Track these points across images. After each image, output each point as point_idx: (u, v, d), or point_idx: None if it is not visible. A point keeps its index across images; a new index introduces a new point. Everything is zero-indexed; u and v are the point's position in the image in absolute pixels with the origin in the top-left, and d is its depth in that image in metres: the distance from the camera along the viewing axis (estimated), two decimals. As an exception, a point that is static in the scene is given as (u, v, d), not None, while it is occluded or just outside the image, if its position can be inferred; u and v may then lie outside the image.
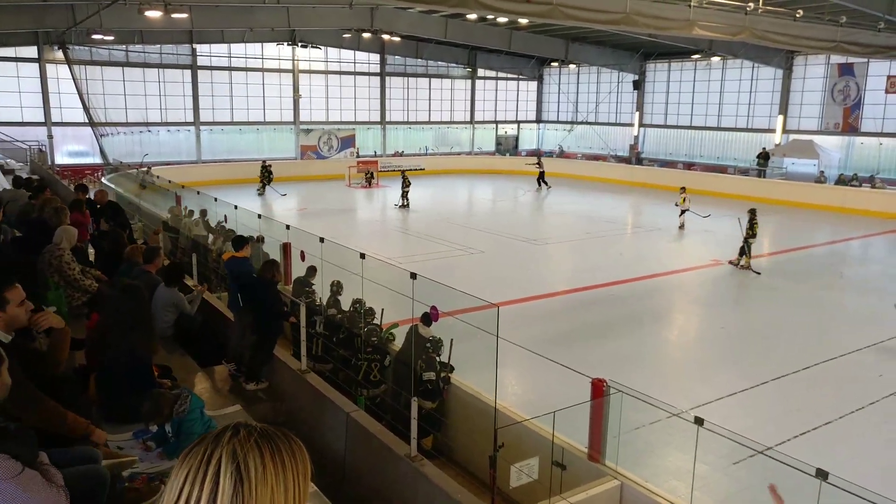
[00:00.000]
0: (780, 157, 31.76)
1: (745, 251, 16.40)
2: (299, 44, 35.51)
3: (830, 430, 8.53)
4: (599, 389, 6.35)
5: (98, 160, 31.06)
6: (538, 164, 31.78)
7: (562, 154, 42.60)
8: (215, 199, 13.15)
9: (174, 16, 20.66)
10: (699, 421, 5.71)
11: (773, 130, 33.27)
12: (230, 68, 35.40)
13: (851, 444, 8.27)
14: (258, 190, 28.20)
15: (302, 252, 9.51)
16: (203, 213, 13.57)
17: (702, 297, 15.22)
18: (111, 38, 28.89)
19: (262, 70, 36.25)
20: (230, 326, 7.63)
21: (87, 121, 30.73)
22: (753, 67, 33.76)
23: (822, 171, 29.57)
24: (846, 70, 30.17)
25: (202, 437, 1.26)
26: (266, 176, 28.69)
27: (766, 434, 8.39)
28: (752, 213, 16.79)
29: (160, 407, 4.33)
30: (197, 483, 1.19)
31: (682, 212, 21.79)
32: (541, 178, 31.33)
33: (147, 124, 33.39)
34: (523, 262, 17.71)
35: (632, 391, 8.33)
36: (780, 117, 32.93)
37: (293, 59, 36.70)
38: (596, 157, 40.36)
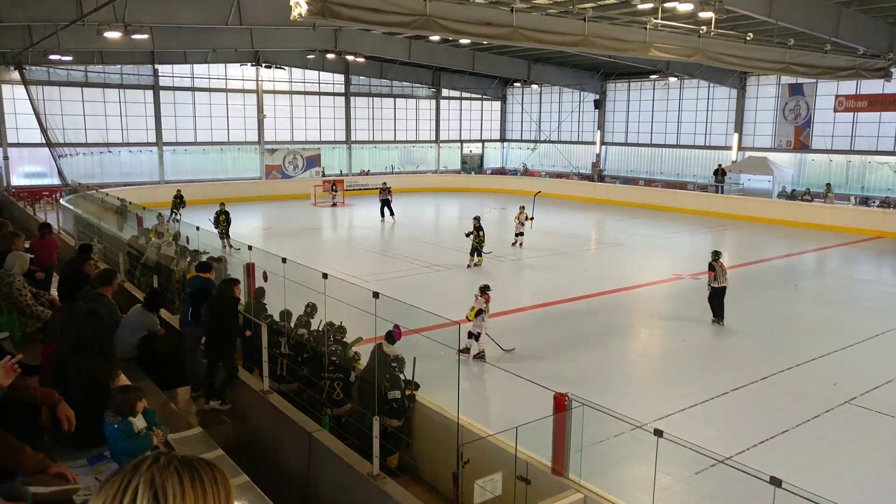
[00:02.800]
0: (737, 174, 32.66)
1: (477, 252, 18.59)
2: (263, 64, 35.48)
3: (787, 438, 8.75)
4: (562, 404, 6.42)
5: (56, 181, 30.42)
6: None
7: (526, 172, 43.12)
8: (177, 221, 13.01)
9: (134, 37, 20.48)
10: (658, 433, 5.82)
11: (729, 148, 34.23)
12: (193, 89, 35.15)
13: (807, 451, 8.49)
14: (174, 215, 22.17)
15: (265, 272, 9.46)
16: (177, 235, 13.43)
17: (664, 310, 15.50)
18: (69, 58, 28.46)
19: (226, 90, 36.08)
20: (188, 344, 7.56)
21: (44, 141, 30.13)
22: (709, 87, 34.76)
23: (784, 188, 30.45)
24: (796, 90, 31.27)
25: (121, 467, 1.28)
26: (177, 204, 23.51)
27: (726, 444, 8.58)
28: (476, 219, 19.04)
29: (130, 400, 4.32)
30: None
31: (519, 233, 21.48)
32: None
33: (108, 145, 32.89)
34: (489, 278, 17.80)
35: (594, 405, 8.44)
36: (736, 135, 33.90)
37: (257, 80, 36.62)
38: (559, 175, 40.95)
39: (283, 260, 8.58)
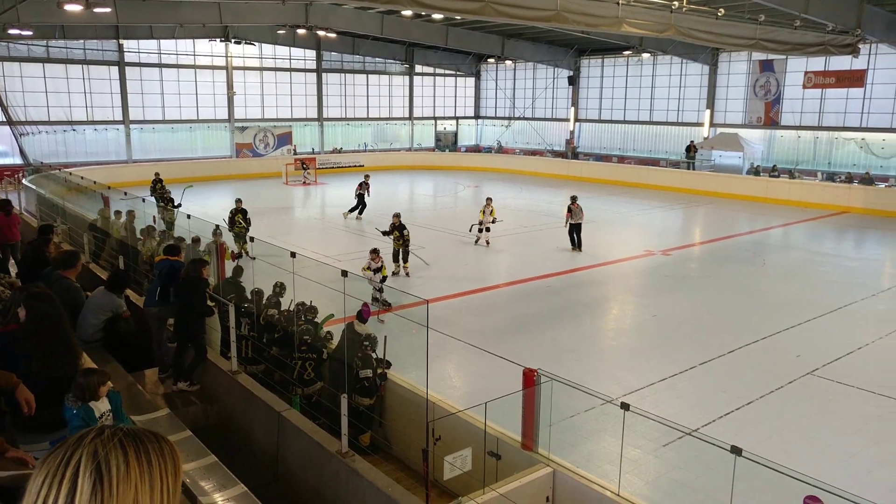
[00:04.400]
0: (708, 150, 32.96)
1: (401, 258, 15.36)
2: (232, 40, 34.75)
3: (752, 409, 8.95)
4: (531, 379, 6.48)
5: (18, 161, 29.64)
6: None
7: (500, 150, 43.06)
8: (143, 200, 12.78)
9: (96, 10, 19.90)
10: (625, 406, 5.91)
11: (701, 124, 34.49)
12: (160, 65, 34.34)
13: (770, 421, 8.70)
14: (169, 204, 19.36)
15: (232, 252, 9.36)
16: (130, 214, 13.16)
17: (635, 286, 15.68)
18: (29, 32, 27.57)
19: (195, 67, 35.31)
20: (155, 326, 7.47)
21: (4, 119, 29.28)
22: (682, 63, 34.88)
23: (752, 163, 30.83)
24: (766, 66, 31.54)
25: (65, 440, 1.24)
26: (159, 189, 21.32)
27: (693, 416, 8.77)
28: (397, 217, 15.47)
29: (92, 384, 4.26)
30: (55, 485, 1.16)
31: (483, 228, 18.46)
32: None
33: (72, 123, 32.07)
34: (463, 256, 17.86)
35: (563, 380, 8.53)
36: (708, 111, 34.16)
37: (226, 56, 35.89)
38: (533, 153, 40.97)
39: (251, 239, 8.50)
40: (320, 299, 9.25)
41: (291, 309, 8.89)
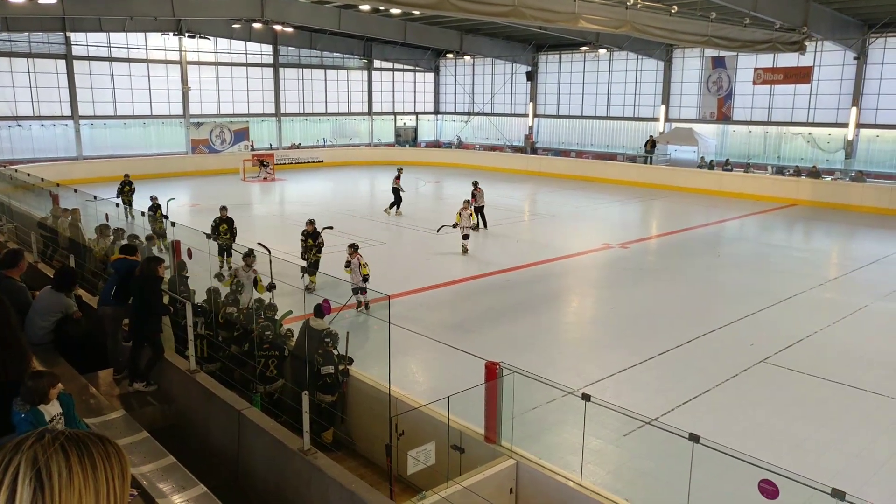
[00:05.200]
0: (664, 145, 33.61)
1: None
2: (186, 34, 33.97)
3: (709, 397, 9.18)
4: (493, 372, 6.51)
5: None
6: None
7: (460, 145, 43.14)
8: (94, 198, 12.42)
9: (41, 2, 19.24)
10: (586, 397, 5.99)
11: (657, 119, 35.12)
12: (110, 59, 33.37)
13: (726, 409, 8.93)
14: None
15: (189, 249, 9.17)
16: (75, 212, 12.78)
17: (594, 279, 15.90)
18: (-29, 25, 26.55)
19: (147, 61, 34.42)
20: (108, 326, 7.27)
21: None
22: (637, 59, 35.44)
23: (703, 157, 31.53)
24: (718, 63, 32.28)
25: (3, 447, 1.19)
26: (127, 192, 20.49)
27: (653, 406, 8.94)
28: (311, 224, 14.19)
29: (41, 387, 4.12)
30: None
31: (462, 234, 17.11)
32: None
33: (17, 118, 30.94)
34: (424, 252, 17.84)
35: (525, 372, 8.60)
36: (663, 107, 34.80)
37: (180, 50, 35.07)
38: (493, 148, 41.15)
39: (208, 236, 8.34)
40: (280, 297, 9.14)
41: (250, 306, 8.77)
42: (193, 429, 5.90)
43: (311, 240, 13.82)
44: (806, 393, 9.36)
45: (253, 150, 35.99)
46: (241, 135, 37.42)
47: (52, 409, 4.20)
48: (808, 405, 9.01)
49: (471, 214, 17.17)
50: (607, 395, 8.86)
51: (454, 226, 17.40)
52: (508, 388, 6.63)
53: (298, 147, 38.90)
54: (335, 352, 7.71)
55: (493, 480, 6.03)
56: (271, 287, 8.77)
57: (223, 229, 14.90)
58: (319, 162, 36.99)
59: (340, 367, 7.65)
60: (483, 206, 20.31)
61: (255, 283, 9.93)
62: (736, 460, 5.01)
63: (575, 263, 16.85)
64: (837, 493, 4.16)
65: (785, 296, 13.60)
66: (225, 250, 14.06)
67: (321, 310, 7.55)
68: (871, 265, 16.44)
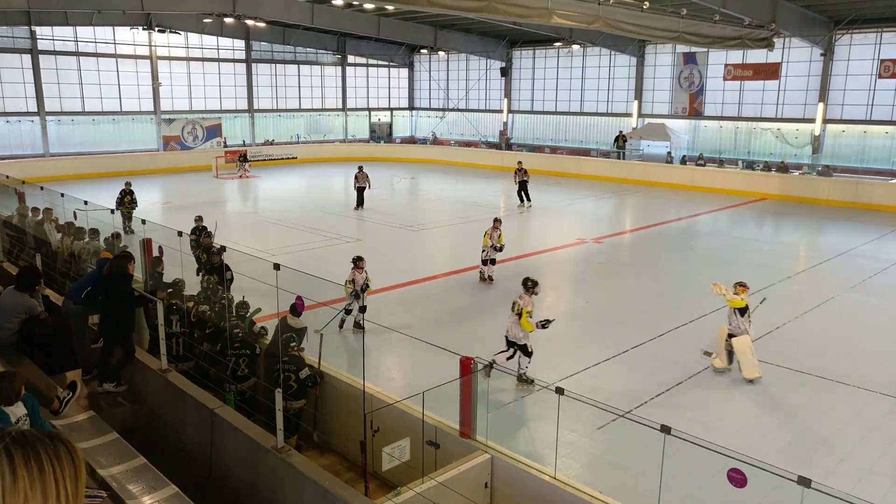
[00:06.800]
0: (637, 140, 33.93)
1: None
2: (156, 28, 33.45)
3: (681, 389, 9.30)
4: (467, 367, 6.54)
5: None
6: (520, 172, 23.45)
7: (435, 141, 43.10)
8: (62, 195, 12.18)
9: (5, -5, 18.77)
10: (560, 391, 6.04)
11: (630, 115, 35.43)
12: (78, 53, 32.72)
13: (697, 401, 9.07)
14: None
15: (160, 248, 9.05)
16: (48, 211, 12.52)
17: (568, 274, 16.01)
18: (-69, 18, 25.85)
19: (116, 56, 33.82)
20: (75, 325, 7.14)
21: None
22: (611, 55, 35.71)
23: (670, 152, 31.91)
24: (690, 59, 32.67)
25: None
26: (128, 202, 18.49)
27: (627, 399, 9.04)
28: (200, 230, 13.18)
29: (14, 386, 4.04)
30: None
31: (488, 259, 14.42)
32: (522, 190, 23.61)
33: (-20, 114, 30.26)
34: (400, 248, 17.82)
35: (500, 367, 8.64)
36: (636, 102, 35.12)
37: (150, 45, 34.51)
38: (468, 144, 41.19)
39: (180, 234, 8.25)
40: (254, 295, 9.06)
41: (223, 304, 8.68)
42: (165, 429, 5.83)
43: (197, 235, 12.86)
44: (775, 383, 9.53)
45: (226, 146, 35.59)
46: (214, 131, 36.97)
47: (17, 411, 4.12)
48: (778, 395, 9.18)
49: (500, 236, 14.29)
50: (582, 389, 8.94)
51: (484, 251, 14.24)
52: (483, 383, 6.66)
53: (272, 143, 38.57)
54: (303, 357, 7.63)
55: (469, 475, 6.05)
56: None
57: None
58: (293, 158, 36.70)
59: (306, 374, 7.51)
60: (365, 187, 22.61)
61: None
62: (706, 450, 5.10)
63: (550, 258, 16.95)
64: (804, 481, 4.25)
65: (754, 289, 13.79)
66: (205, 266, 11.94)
67: (296, 307, 7.50)
68: (838, 258, 16.79)
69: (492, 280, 14.20)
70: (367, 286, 10.88)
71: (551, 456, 6.25)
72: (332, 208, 23.55)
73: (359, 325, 10.98)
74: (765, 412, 8.75)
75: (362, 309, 10.87)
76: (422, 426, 6.22)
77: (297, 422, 7.15)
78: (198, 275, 10.86)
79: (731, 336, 9.57)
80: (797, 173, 27.99)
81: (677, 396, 9.13)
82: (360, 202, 22.90)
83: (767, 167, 28.61)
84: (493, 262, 14.23)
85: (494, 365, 9.10)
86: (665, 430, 5.05)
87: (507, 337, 9.28)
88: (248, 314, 8.44)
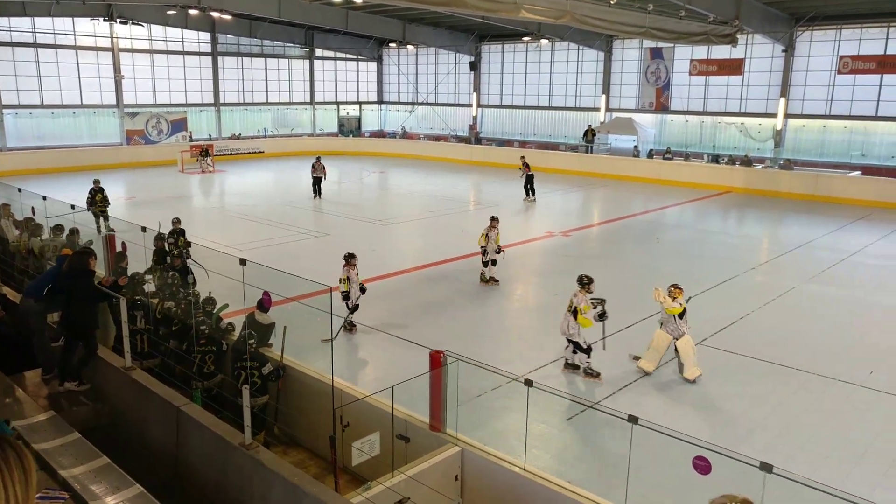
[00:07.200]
0: (605, 134, 34.26)
1: None
2: (118, 20, 32.68)
3: (647, 381, 9.44)
4: (437, 360, 6.54)
5: None
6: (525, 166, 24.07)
7: (405, 135, 42.96)
8: (19, 190, 11.86)
9: (-42, -16, 18.16)
10: (528, 383, 6.08)
11: (597, 109, 35.73)
12: (35, 45, 31.82)
13: (663, 391, 9.21)
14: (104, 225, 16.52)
15: (123, 243, 8.88)
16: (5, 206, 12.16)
17: (537, 266, 16.12)
18: None
19: (76, 48, 32.97)
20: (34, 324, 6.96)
21: None
22: (579, 50, 35.96)
23: (637, 146, 32.31)
24: (656, 54, 33.07)
25: None
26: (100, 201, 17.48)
27: (595, 390, 9.16)
28: (179, 232, 12.64)
29: None
30: None
31: (489, 261, 13.92)
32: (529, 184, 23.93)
33: (-66, 108, 29.28)
34: (370, 242, 17.72)
35: (469, 360, 8.66)
36: (604, 97, 35.44)
37: (111, 37, 33.72)
38: (437, 138, 41.14)
39: (143, 229, 8.10)
40: (222, 291, 8.94)
41: (189, 300, 8.55)
42: (129, 428, 5.73)
43: (173, 238, 12.28)
44: (738, 372, 9.73)
45: (191, 140, 34.99)
46: (179, 125, 36.32)
47: None
48: (741, 384, 9.38)
49: (497, 237, 13.84)
50: (551, 381, 9.02)
51: (483, 251, 13.82)
52: (453, 376, 6.67)
53: (238, 137, 38.04)
54: (270, 349, 7.57)
55: (439, 468, 6.07)
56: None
57: (181, 242, 12.86)
58: (260, 153, 36.27)
59: (272, 369, 7.42)
60: (321, 177, 23.57)
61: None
62: (672, 439, 5.19)
63: (519, 251, 17.02)
64: (766, 467, 4.35)
65: (719, 280, 14.09)
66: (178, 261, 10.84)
67: (263, 303, 7.42)
68: (798, 249, 17.19)
69: (496, 282, 13.79)
70: (364, 286, 10.68)
71: (521, 448, 6.29)
72: (300, 203, 23.35)
73: (351, 325, 10.87)
74: (729, 400, 8.93)
75: (353, 308, 10.74)
76: (392, 420, 6.21)
77: (264, 417, 7.08)
78: (154, 272, 10.47)
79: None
80: (760, 167, 28.55)
81: (644, 387, 9.27)
82: (317, 192, 23.79)
83: (732, 161, 29.12)
84: (493, 262, 13.84)
85: (576, 363, 9.58)
86: (632, 420, 5.12)
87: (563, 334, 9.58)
88: (215, 310, 8.32)
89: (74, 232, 10.05)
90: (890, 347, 10.70)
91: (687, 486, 5.76)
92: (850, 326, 11.75)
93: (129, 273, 9.09)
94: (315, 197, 23.76)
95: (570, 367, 9.70)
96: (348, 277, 10.64)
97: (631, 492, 5.36)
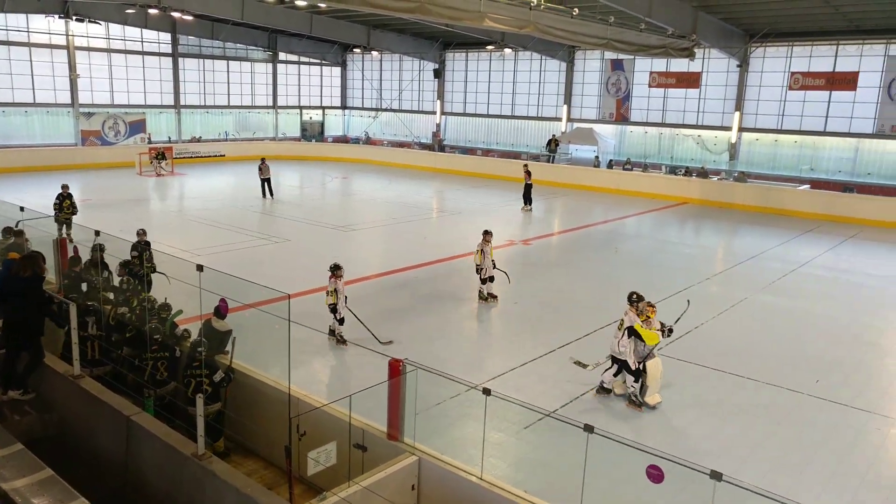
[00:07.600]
0: (566, 144, 34.72)
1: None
2: (74, 17, 31.90)
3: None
4: (396, 369, 6.51)
5: None
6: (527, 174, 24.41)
7: (368, 141, 42.85)
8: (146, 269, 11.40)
9: None
10: (486, 391, 6.10)
11: (559, 119, 36.21)
12: (-13, 41, 30.90)
13: (618, 400, 9.33)
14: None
15: (76, 247, 8.64)
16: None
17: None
18: None
19: (29, 45, 32.07)
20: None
21: None
22: (541, 60, 36.41)
23: (597, 157, 32.83)
24: (617, 65, 33.69)
25: None
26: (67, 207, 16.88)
27: (553, 398, 9.22)
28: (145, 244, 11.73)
29: None
30: None
31: (486, 278, 13.41)
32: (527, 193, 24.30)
33: None
34: (331, 249, 17.57)
35: (428, 368, 8.65)
36: (565, 107, 35.93)
37: (67, 35, 32.89)
38: (401, 144, 41.13)
39: (97, 233, 7.89)
40: (179, 297, 8.76)
41: (143, 306, 8.36)
42: (77, 438, 5.56)
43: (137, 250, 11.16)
44: (692, 381, 9.93)
45: (150, 142, 34.31)
46: (137, 126, 35.60)
47: None
48: (694, 393, 9.56)
49: (491, 251, 13.41)
50: (509, 389, 9.06)
51: (478, 269, 13.36)
52: (411, 384, 6.64)
53: (199, 140, 37.44)
54: (220, 356, 7.43)
55: (396, 478, 6.03)
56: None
57: (146, 256, 11.43)
58: (221, 156, 35.73)
59: (220, 377, 7.29)
60: (269, 178, 24.15)
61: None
62: (626, 447, 5.27)
63: (480, 260, 17.10)
64: (716, 475, 4.44)
65: (676, 289, 14.36)
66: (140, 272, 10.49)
67: (220, 310, 7.30)
68: (750, 260, 17.65)
69: (495, 297, 13.38)
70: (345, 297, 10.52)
71: (478, 456, 6.30)
72: (260, 207, 23.06)
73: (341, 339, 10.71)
74: (684, 409, 9.10)
75: (341, 321, 10.56)
76: (349, 429, 6.16)
77: (216, 426, 6.95)
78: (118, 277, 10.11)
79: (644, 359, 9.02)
80: (716, 179, 29.27)
81: (600, 397, 9.38)
82: (267, 192, 24.46)
83: (689, 172, 29.79)
84: (491, 279, 13.35)
85: (604, 384, 9.23)
86: (588, 429, 5.17)
87: (612, 355, 9.18)
88: (170, 316, 8.15)
89: (20, 234, 9.74)
90: (834, 358, 11.05)
91: (641, 495, 5.85)
92: (799, 337, 12.10)
93: (82, 278, 8.85)
94: (265, 197, 24.20)
95: (603, 391, 9.27)
96: (335, 289, 10.44)
97: (586, 500, 5.42)
